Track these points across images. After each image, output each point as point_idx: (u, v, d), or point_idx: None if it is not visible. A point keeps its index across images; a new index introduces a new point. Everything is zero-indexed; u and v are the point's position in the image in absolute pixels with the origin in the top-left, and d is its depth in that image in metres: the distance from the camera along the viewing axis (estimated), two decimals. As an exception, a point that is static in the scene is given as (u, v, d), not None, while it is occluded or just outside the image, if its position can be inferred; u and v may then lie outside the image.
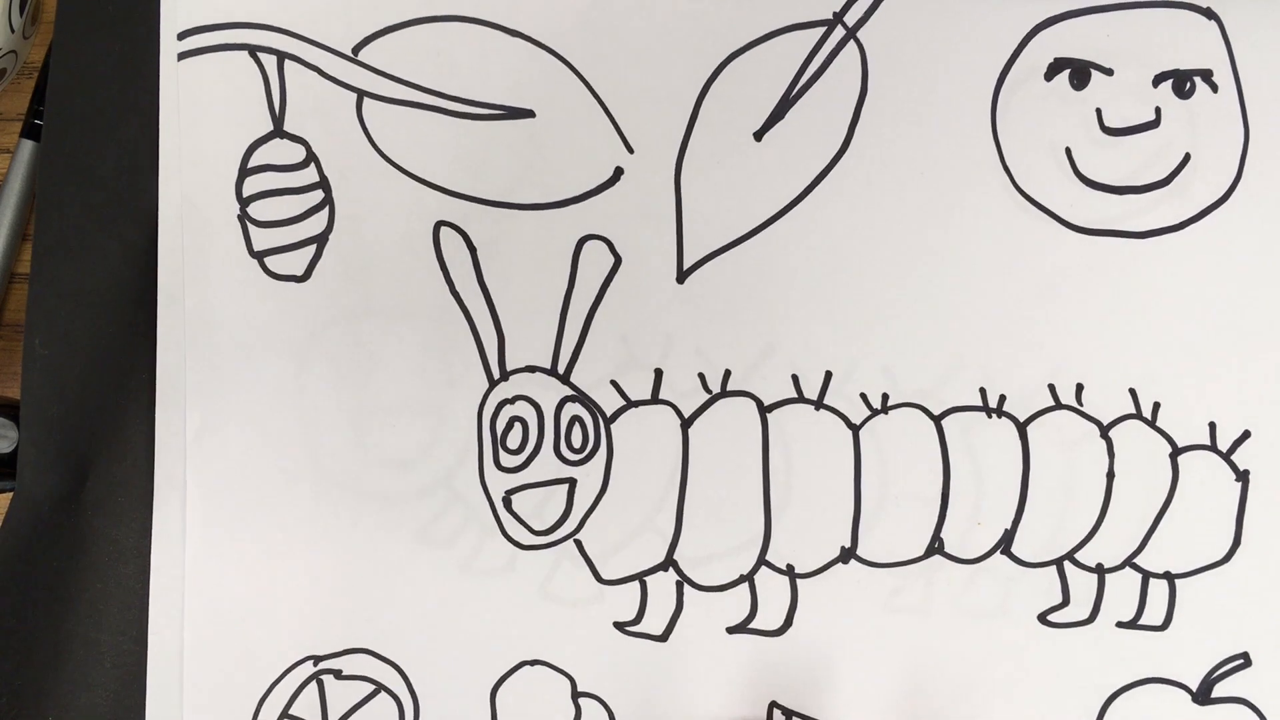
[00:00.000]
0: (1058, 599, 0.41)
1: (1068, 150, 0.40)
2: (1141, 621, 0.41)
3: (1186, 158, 0.40)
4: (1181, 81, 0.40)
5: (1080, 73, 0.40)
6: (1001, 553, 0.41)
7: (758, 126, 0.40)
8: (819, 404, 0.40)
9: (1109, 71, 0.40)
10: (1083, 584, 0.41)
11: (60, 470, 0.41)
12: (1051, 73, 0.40)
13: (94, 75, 0.40)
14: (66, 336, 0.40)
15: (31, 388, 0.41)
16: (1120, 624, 0.41)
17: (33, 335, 0.41)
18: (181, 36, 0.40)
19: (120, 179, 0.40)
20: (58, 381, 0.41)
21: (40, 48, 0.44)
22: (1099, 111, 0.40)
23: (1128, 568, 0.41)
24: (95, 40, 0.40)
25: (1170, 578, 0.41)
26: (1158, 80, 0.40)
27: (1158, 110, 0.40)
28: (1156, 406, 0.40)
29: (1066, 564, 0.41)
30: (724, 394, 0.41)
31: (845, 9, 0.40)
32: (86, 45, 0.40)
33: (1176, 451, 0.40)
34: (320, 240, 0.40)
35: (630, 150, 0.40)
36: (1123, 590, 0.41)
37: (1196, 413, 0.40)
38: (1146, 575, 0.41)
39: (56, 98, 0.40)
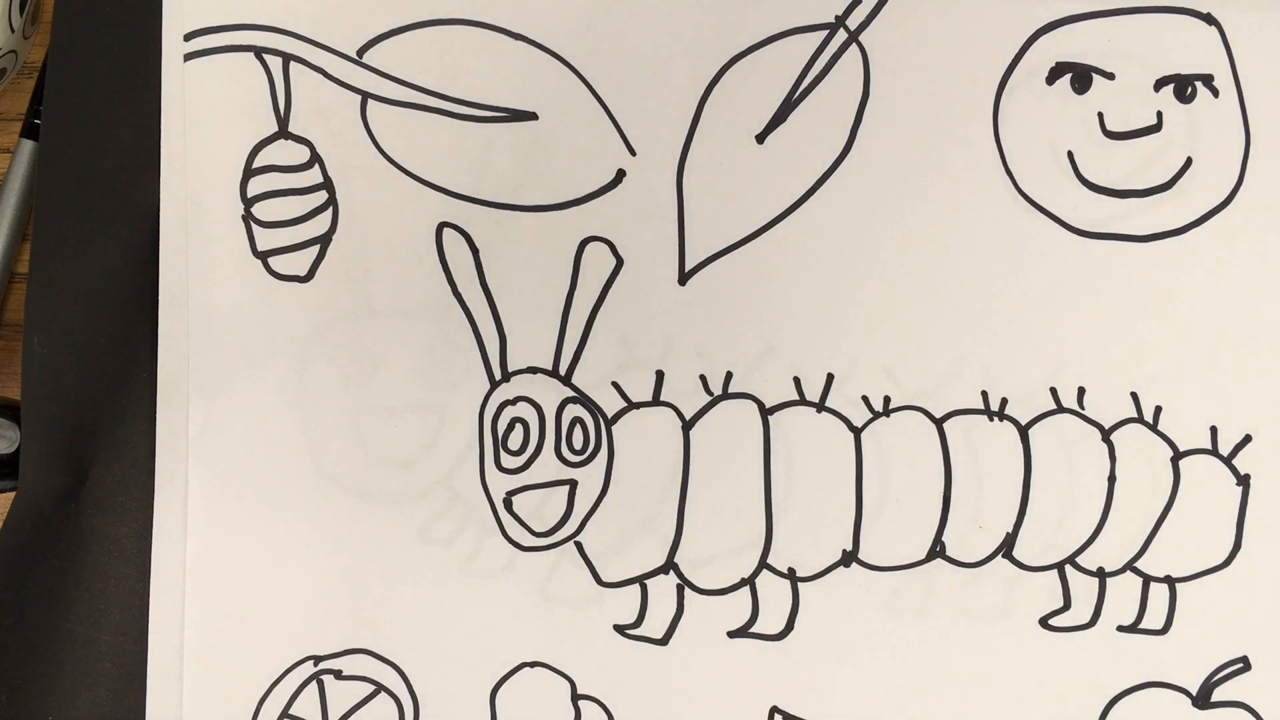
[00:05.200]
0: (1059, 603, 0.41)
1: (1070, 154, 0.40)
2: (1142, 625, 0.41)
3: (1188, 162, 0.40)
4: (1183, 86, 0.40)
5: (1082, 77, 0.40)
6: (1003, 556, 0.41)
7: (760, 129, 0.40)
8: (820, 406, 0.40)
9: (1110, 76, 0.40)
10: (1084, 588, 0.41)
11: (61, 470, 0.41)
12: (1053, 76, 0.40)
13: (93, 75, 0.40)
14: (66, 336, 0.40)
15: (31, 387, 0.41)
16: (1121, 628, 0.41)
17: (32, 335, 0.40)
18: (188, 37, 0.40)
19: (119, 178, 0.40)
20: (57, 381, 0.41)
21: (40, 48, 0.44)
22: (1100, 115, 0.40)
23: (1129, 571, 0.41)
24: (93, 40, 0.40)
25: (1171, 581, 0.41)
26: (1159, 85, 0.40)
27: (1159, 114, 0.40)
28: (1158, 410, 0.40)
29: (1067, 567, 0.41)
30: (725, 396, 0.41)
31: (847, 12, 0.40)
32: (85, 45, 0.40)
33: (1178, 455, 0.40)
34: (323, 241, 0.40)
35: (632, 152, 0.40)
36: (1124, 594, 0.41)
37: (1198, 416, 0.40)
38: (1147, 579, 0.41)
39: (55, 97, 0.40)
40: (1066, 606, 0.41)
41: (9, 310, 0.45)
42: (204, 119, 0.40)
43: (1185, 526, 0.41)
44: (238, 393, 0.40)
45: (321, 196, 0.40)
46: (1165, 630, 0.41)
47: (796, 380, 0.40)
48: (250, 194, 0.40)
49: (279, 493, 0.40)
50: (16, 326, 0.44)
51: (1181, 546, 0.41)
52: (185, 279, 0.40)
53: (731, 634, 0.41)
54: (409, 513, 0.41)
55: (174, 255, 0.40)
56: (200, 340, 0.40)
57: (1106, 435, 0.40)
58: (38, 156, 0.42)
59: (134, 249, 0.41)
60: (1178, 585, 0.41)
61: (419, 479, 0.41)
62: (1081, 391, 0.40)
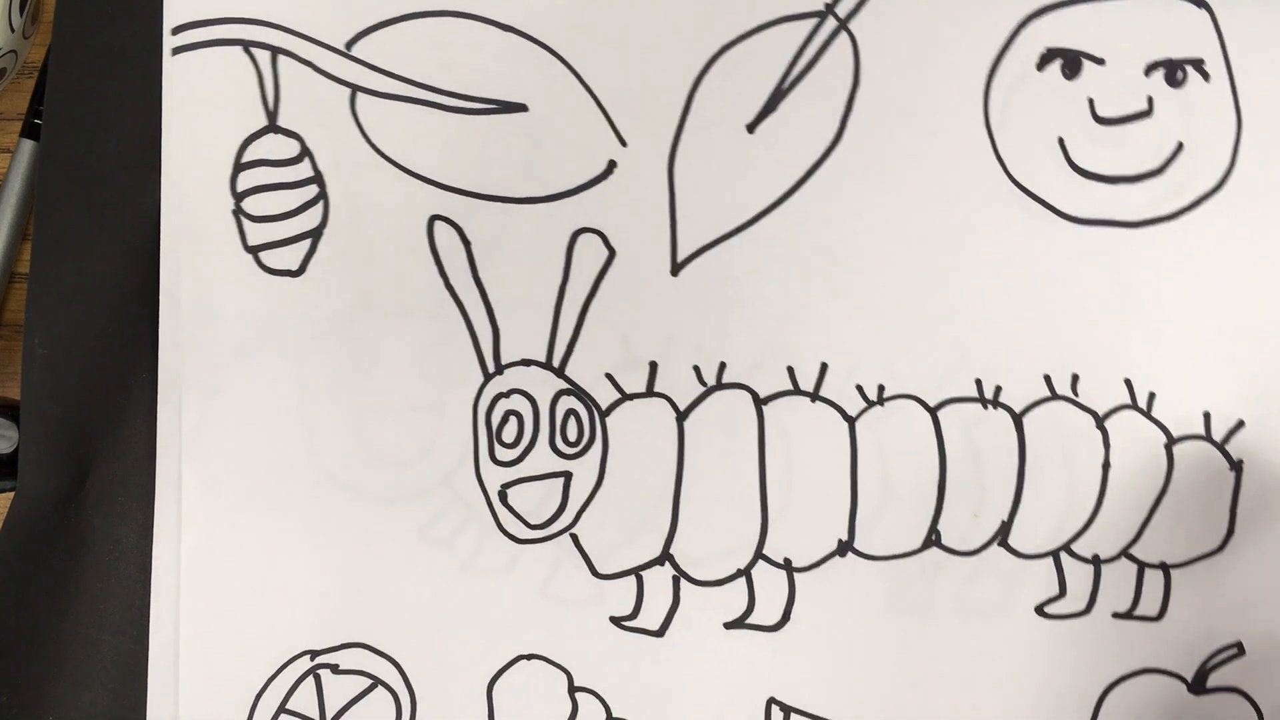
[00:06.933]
0: (1055, 590, 0.41)
1: (1060, 140, 0.40)
2: (1137, 612, 0.41)
3: (1179, 147, 0.40)
4: (1173, 71, 0.40)
5: (1072, 63, 0.40)
6: (999, 545, 0.40)
7: (750, 118, 0.40)
8: (815, 396, 0.40)
9: (1100, 61, 0.40)
10: (1079, 575, 0.41)
11: (61, 470, 0.41)
12: (1043, 63, 0.40)
13: (93, 75, 0.40)
14: (66, 336, 0.40)
15: (31, 387, 0.41)
16: (1116, 615, 0.41)
17: (32, 335, 0.40)
18: (175, 32, 0.40)
19: (119, 178, 0.40)
20: (57, 381, 0.41)
21: (40, 48, 0.44)
22: (1091, 101, 0.40)
23: (1123, 558, 0.41)
24: (94, 40, 0.40)
25: (1165, 568, 0.41)
26: (1149, 69, 0.40)
27: (1150, 100, 0.40)
28: (1152, 397, 0.40)
29: (1063, 555, 0.40)
30: (719, 386, 0.40)
31: (837, 0, 0.40)
32: (85, 45, 0.40)
33: (1171, 441, 0.40)
34: (315, 235, 0.40)
35: (623, 143, 0.40)
36: (1119, 581, 0.41)
37: (1191, 403, 0.40)
38: (1142, 566, 0.41)
39: (55, 97, 0.41)
40: (1062, 594, 0.41)
41: (9, 310, 0.45)
42: (192, 114, 0.40)
43: (1179, 513, 0.40)
44: (232, 388, 0.40)
45: (312, 190, 0.40)
46: (1160, 617, 0.41)
47: (790, 370, 0.40)
48: (240, 188, 0.40)
49: (275, 488, 0.40)
50: (16, 326, 0.44)
51: (1176, 533, 0.40)
52: (191, 278, 0.40)
53: (728, 625, 0.41)
54: (404, 506, 0.41)
55: (174, 254, 0.40)
56: (194, 336, 0.40)
57: (1100, 422, 0.40)
58: (38, 156, 0.42)
59: (134, 249, 0.41)
60: (1172, 571, 0.41)
61: (414, 473, 0.41)
62: (1075, 378, 0.40)
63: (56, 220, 0.40)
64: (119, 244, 0.41)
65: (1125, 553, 0.41)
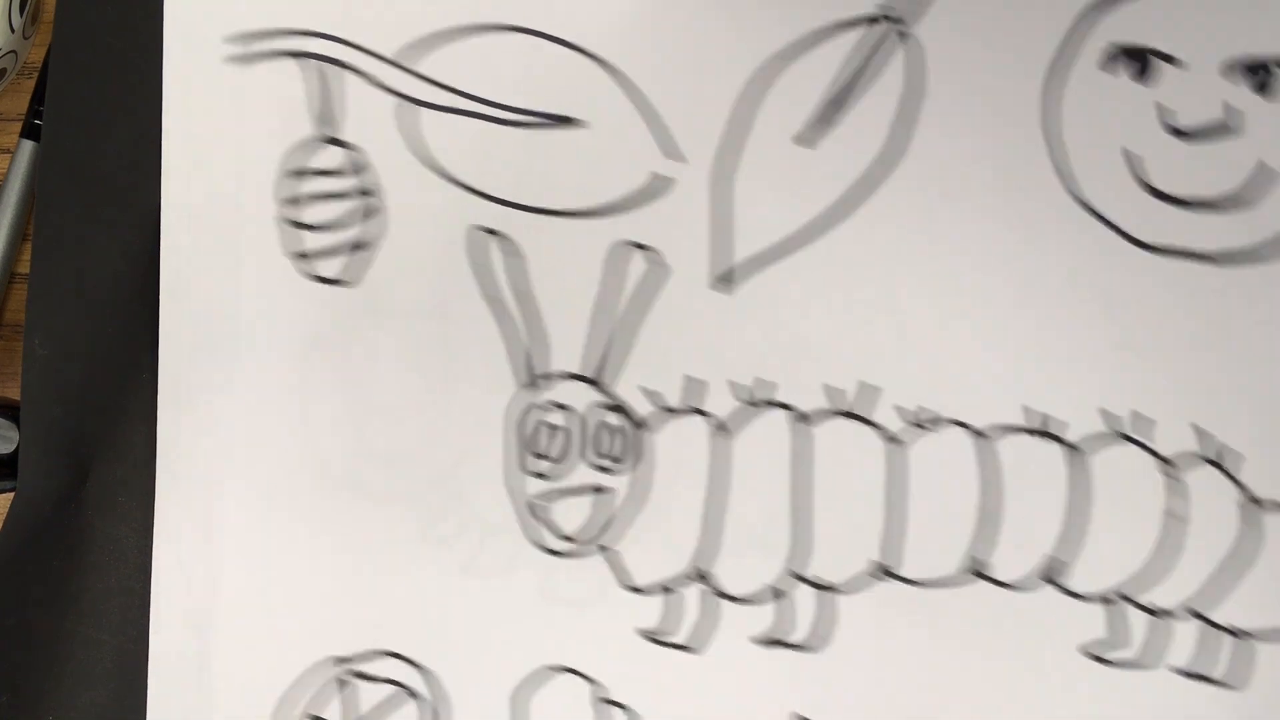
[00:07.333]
0: (1103, 633, 0.39)
1: (1134, 154, 0.37)
2: (1214, 676, 0.38)
3: (1265, 171, 0.36)
4: (1257, 71, 0.36)
5: (1141, 62, 0.37)
6: (1041, 577, 0.40)
7: (809, 133, 0.38)
8: (856, 417, 0.39)
9: (1172, 60, 0.36)
10: (1137, 623, 0.38)
11: (61, 470, 0.41)
12: (1111, 62, 0.37)
13: (93, 75, 0.40)
14: (66, 336, 0.40)
15: (31, 388, 0.40)
16: (1179, 671, 0.38)
17: (32, 335, 0.40)
18: (228, 40, 0.39)
19: (119, 178, 0.40)
20: (58, 381, 0.40)
21: (40, 48, 0.44)
22: (1165, 109, 0.37)
23: (1191, 616, 0.38)
24: (94, 40, 0.40)
25: (1248, 638, 0.38)
26: (1227, 70, 0.36)
27: (1229, 108, 0.36)
28: (1231, 453, 0.37)
29: (1116, 598, 0.39)
30: (759, 404, 0.39)
31: (896, 4, 0.37)
32: (85, 45, 0.40)
33: (1259, 507, 0.37)
34: (359, 244, 0.40)
35: (673, 158, 0.39)
36: (1189, 639, 0.38)
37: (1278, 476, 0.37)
38: (1220, 630, 0.38)
39: (55, 97, 0.40)
40: (1114, 638, 0.39)
41: (9, 310, 0.44)
42: (241, 121, 0.39)
43: (1267, 584, 0.37)
44: (239, 387, 0.40)
45: (358, 200, 0.40)
46: (1240, 687, 0.38)
47: (833, 390, 0.39)
48: (284, 196, 0.40)
49: (284, 491, 0.40)
50: (17, 326, 0.44)
51: (1262, 604, 0.37)
52: (187, 278, 0.40)
53: (760, 643, 0.40)
54: (434, 517, 0.40)
55: (175, 254, 0.40)
56: (198, 335, 0.40)
57: (1168, 469, 0.38)
58: (38, 156, 0.42)
59: (134, 249, 0.40)
60: (1258, 645, 0.37)
61: (448, 484, 0.40)
62: (1138, 417, 0.38)
63: (56, 220, 0.40)
64: (119, 244, 0.40)
65: (1194, 611, 0.38)
